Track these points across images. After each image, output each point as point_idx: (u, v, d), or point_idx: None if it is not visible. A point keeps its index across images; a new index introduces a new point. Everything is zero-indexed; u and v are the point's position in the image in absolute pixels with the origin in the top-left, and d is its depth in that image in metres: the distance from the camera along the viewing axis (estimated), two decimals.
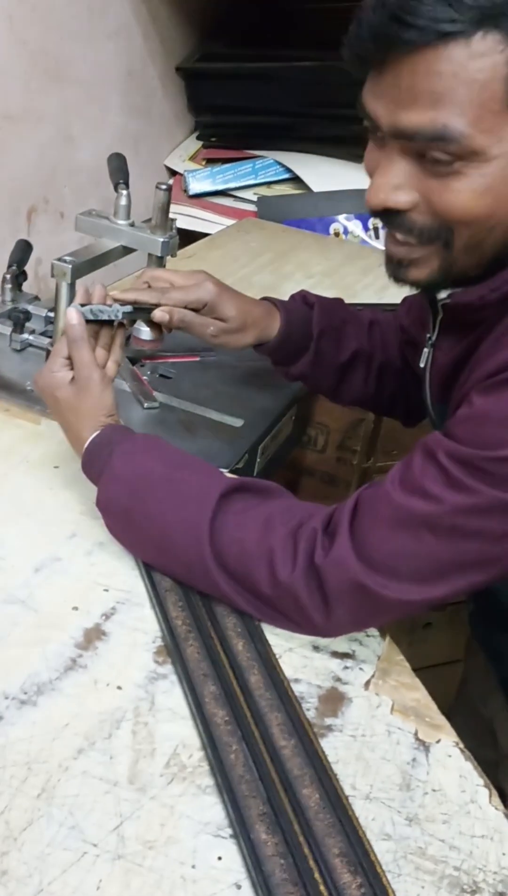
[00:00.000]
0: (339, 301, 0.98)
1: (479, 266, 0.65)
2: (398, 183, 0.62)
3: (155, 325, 0.89)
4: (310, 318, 0.93)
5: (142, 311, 0.87)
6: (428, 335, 0.76)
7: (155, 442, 0.77)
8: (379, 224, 1.73)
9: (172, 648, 0.68)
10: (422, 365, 0.78)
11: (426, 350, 0.77)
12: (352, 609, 0.66)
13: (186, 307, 0.87)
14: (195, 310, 0.88)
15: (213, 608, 0.72)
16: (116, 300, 0.84)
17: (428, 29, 0.55)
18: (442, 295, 0.71)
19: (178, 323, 0.87)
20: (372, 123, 0.62)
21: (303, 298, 0.96)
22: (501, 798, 0.85)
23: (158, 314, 0.86)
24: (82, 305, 0.81)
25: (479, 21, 0.55)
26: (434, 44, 0.56)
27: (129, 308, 0.84)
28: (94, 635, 0.69)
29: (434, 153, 0.59)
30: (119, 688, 0.65)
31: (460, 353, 0.72)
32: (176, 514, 0.71)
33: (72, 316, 0.79)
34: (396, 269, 0.68)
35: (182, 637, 0.69)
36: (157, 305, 0.86)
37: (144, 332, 1.14)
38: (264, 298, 0.94)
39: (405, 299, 0.98)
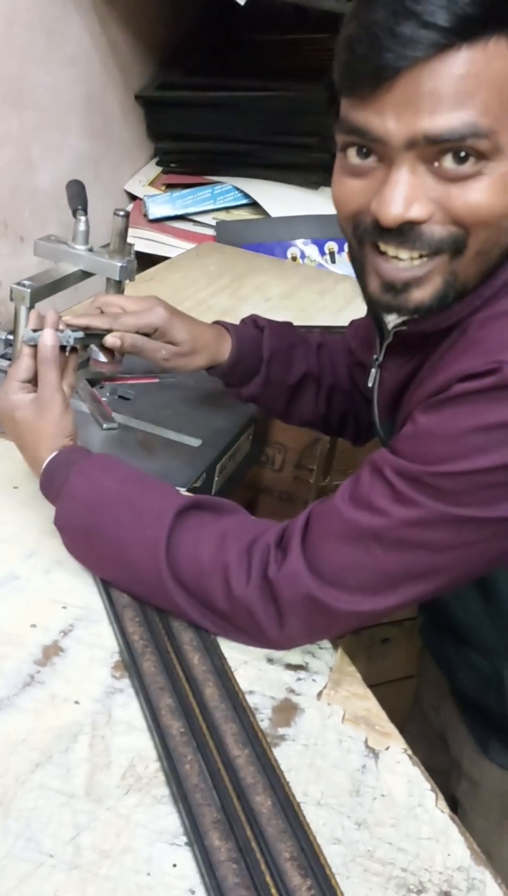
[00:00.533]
0: (288, 325, 1.01)
1: (481, 274, 0.65)
2: (414, 195, 0.60)
3: (108, 350, 0.91)
4: (260, 342, 0.95)
5: (94, 336, 0.89)
6: (375, 356, 0.79)
7: (112, 461, 0.79)
8: (335, 248, 1.77)
9: (129, 663, 0.70)
10: (370, 385, 0.81)
11: (373, 371, 0.80)
12: (305, 621, 0.68)
13: (137, 332, 0.89)
14: (147, 334, 0.90)
15: (169, 623, 0.74)
16: (68, 325, 0.86)
17: (452, 30, 0.56)
18: (393, 319, 0.73)
19: (129, 348, 0.89)
20: (367, 143, 0.61)
21: (254, 322, 0.99)
22: (452, 804, 0.88)
23: (110, 340, 0.88)
24: (34, 331, 0.83)
25: (494, 25, 0.57)
26: (458, 45, 0.56)
27: (80, 334, 0.86)
28: (52, 651, 0.71)
29: (453, 159, 0.59)
30: (76, 702, 0.66)
31: (406, 374, 0.75)
32: (133, 532, 0.72)
33: (48, 337, 0.81)
34: (395, 296, 0.65)
35: (139, 652, 0.71)
36: (109, 331, 0.89)
37: (102, 355, 1.16)
38: (216, 322, 0.97)
39: (352, 322, 1.01)
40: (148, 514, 0.73)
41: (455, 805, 0.89)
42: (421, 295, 0.65)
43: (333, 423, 1.02)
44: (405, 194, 0.60)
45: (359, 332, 0.96)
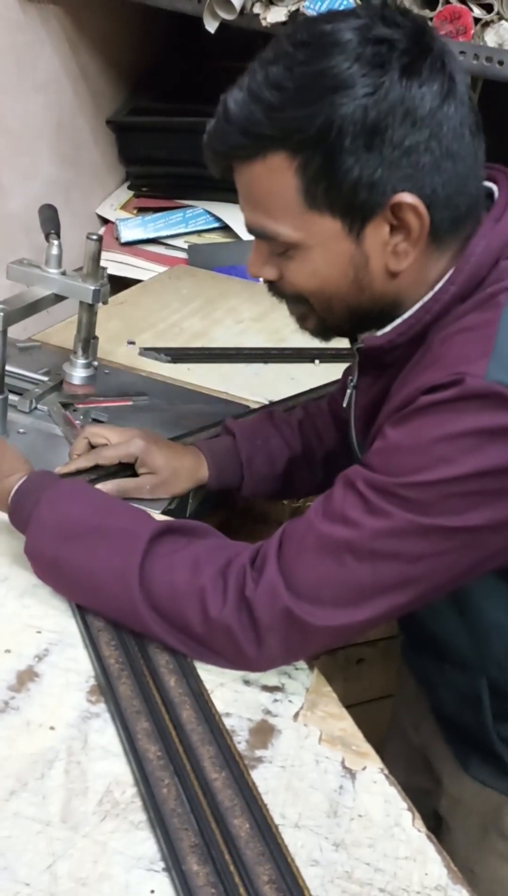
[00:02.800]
0: (263, 418, 1.03)
1: (348, 321, 0.74)
2: (263, 260, 0.73)
3: None
4: (234, 449, 0.98)
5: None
6: (351, 378, 0.82)
7: (81, 487, 0.79)
8: None
9: (105, 687, 0.69)
10: (344, 405, 0.83)
11: (348, 391, 0.82)
12: (283, 639, 0.69)
13: (119, 461, 0.93)
14: (129, 463, 0.93)
15: (145, 646, 0.74)
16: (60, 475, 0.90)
17: (230, 152, 0.68)
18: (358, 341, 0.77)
19: (119, 496, 0.91)
20: None
21: (226, 429, 1.02)
22: (435, 822, 0.88)
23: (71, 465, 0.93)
24: None
25: (269, 144, 0.65)
26: (244, 162, 0.67)
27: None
28: (26, 677, 0.70)
29: (270, 244, 0.70)
30: (52, 728, 0.66)
31: (376, 392, 0.77)
32: (105, 560, 0.73)
33: None
34: (297, 322, 0.77)
35: (115, 675, 0.70)
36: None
37: (76, 376, 1.16)
38: (193, 444, 1.00)
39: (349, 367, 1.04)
40: (120, 541, 0.73)
41: (437, 823, 0.89)
42: (307, 326, 0.76)
43: None
44: (258, 258, 0.73)
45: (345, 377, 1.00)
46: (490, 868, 0.85)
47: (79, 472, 0.93)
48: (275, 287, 0.75)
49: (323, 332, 0.77)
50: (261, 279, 0.75)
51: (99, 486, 0.91)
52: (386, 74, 0.63)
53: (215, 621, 0.69)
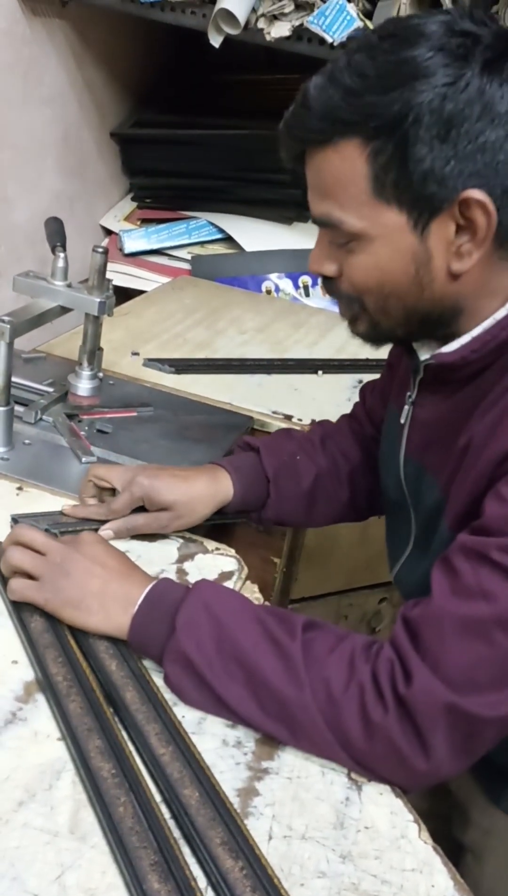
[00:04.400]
0: (283, 434, 1.01)
1: (404, 326, 0.72)
2: (324, 255, 0.72)
3: None
4: (259, 464, 0.94)
5: (85, 529, 0.89)
6: (409, 393, 0.80)
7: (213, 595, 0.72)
8: (309, 282, 1.81)
9: (44, 683, 0.70)
10: (402, 421, 0.81)
11: (406, 408, 0.80)
12: (449, 740, 0.63)
13: (131, 510, 0.89)
14: (142, 507, 0.89)
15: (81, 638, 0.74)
16: (68, 515, 0.90)
17: (306, 136, 0.68)
18: (425, 356, 0.75)
19: (131, 533, 0.89)
20: None
21: (247, 445, 0.99)
22: (454, 848, 0.86)
23: (105, 535, 0.88)
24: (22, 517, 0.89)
25: (343, 129, 0.65)
26: (317, 147, 0.67)
27: (56, 534, 0.87)
28: (34, 688, 0.70)
29: (335, 235, 0.69)
30: (59, 738, 0.66)
31: (445, 410, 0.75)
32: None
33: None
34: (349, 325, 0.76)
35: (64, 693, 0.69)
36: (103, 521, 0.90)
37: (81, 388, 1.17)
38: (212, 463, 0.95)
39: (365, 386, 1.03)
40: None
41: (461, 851, 0.88)
42: (357, 329, 0.75)
43: (360, 505, 1.01)
44: (319, 252, 0.72)
45: (377, 388, 0.99)
46: None
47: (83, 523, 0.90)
48: (332, 285, 0.73)
49: (375, 337, 0.75)
50: (319, 276, 0.74)
51: (108, 526, 0.89)
52: (468, 67, 0.62)
53: (376, 727, 0.64)
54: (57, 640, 0.74)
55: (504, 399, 0.68)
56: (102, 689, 0.70)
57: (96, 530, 0.88)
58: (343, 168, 0.66)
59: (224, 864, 0.57)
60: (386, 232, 0.67)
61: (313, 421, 1.18)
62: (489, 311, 0.69)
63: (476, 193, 0.63)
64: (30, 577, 0.76)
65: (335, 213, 0.68)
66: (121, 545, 0.87)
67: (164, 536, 0.91)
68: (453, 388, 0.74)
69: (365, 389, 1.04)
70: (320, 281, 0.76)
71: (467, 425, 0.71)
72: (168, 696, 0.70)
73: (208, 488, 0.91)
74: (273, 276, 1.81)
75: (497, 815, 0.83)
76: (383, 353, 0.86)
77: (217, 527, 0.99)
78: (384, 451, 0.87)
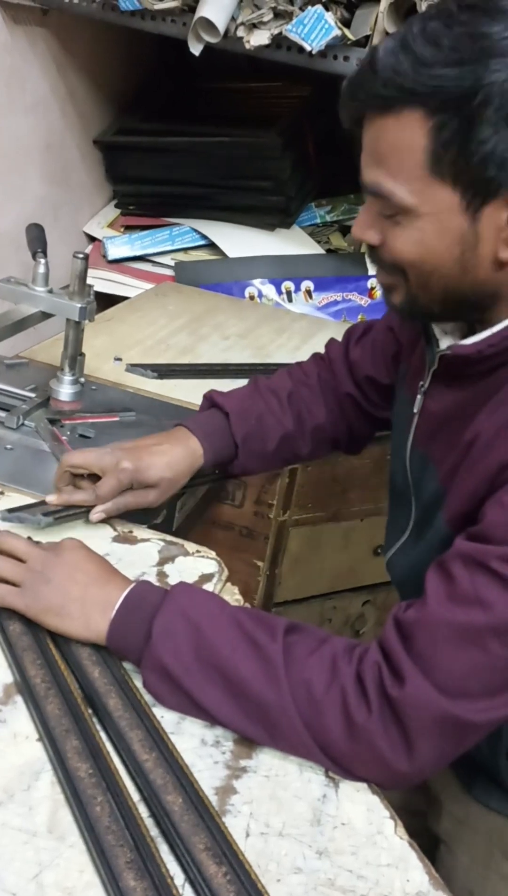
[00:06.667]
0: (250, 391, 1.01)
1: (441, 303, 0.71)
2: (369, 222, 0.71)
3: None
4: (227, 429, 0.97)
5: (76, 515, 0.90)
6: (421, 383, 0.80)
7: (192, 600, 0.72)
8: (292, 287, 1.82)
9: (22, 685, 0.70)
10: (415, 410, 0.81)
11: (418, 397, 0.80)
12: (437, 744, 0.64)
13: (118, 492, 0.89)
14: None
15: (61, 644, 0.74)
16: (50, 505, 0.89)
17: (368, 101, 0.66)
18: (442, 346, 0.75)
19: (118, 513, 0.90)
20: None
21: (211, 401, 1.00)
22: (432, 843, 0.87)
23: (95, 517, 0.89)
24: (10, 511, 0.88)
25: (408, 98, 0.63)
26: (378, 113, 0.65)
27: (50, 520, 0.87)
28: (12, 690, 0.71)
29: (382, 206, 0.68)
30: (38, 739, 0.66)
31: (454, 403, 0.75)
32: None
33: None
34: (384, 294, 0.75)
35: (42, 695, 0.69)
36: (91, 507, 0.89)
37: (63, 393, 1.17)
38: (178, 424, 0.97)
39: (354, 331, 1.05)
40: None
41: (433, 843, 0.88)
42: (394, 299, 0.73)
43: (320, 454, 1.06)
44: (363, 220, 0.71)
45: (369, 342, 1.02)
46: (491, 889, 0.84)
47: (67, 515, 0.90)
48: (374, 253, 0.72)
49: (409, 310, 0.73)
50: (363, 243, 0.72)
51: (98, 508, 0.89)
52: None
53: (359, 727, 0.64)
54: (36, 643, 0.74)
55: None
56: (81, 692, 0.70)
57: (87, 513, 0.89)
58: (402, 138, 0.64)
59: (208, 869, 0.57)
60: (436, 210, 0.65)
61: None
62: None
63: None
64: (11, 584, 0.76)
65: (387, 184, 0.66)
66: (102, 549, 0.87)
67: (144, 540, 0.92)
68: (466, 382, 0.74)
69: (350, 336, 1.04)
70: (363, 246, 0.74)
71: (475, 420, 0.71)
72: (147, 697, 0.70)
73: (186, 459, 0.93)
74: (256, 282, 1.82)
75: (470, 805, 0.84)
76: None
77: (200, 531, 1.00)
78: (394, 437, 0.88)
